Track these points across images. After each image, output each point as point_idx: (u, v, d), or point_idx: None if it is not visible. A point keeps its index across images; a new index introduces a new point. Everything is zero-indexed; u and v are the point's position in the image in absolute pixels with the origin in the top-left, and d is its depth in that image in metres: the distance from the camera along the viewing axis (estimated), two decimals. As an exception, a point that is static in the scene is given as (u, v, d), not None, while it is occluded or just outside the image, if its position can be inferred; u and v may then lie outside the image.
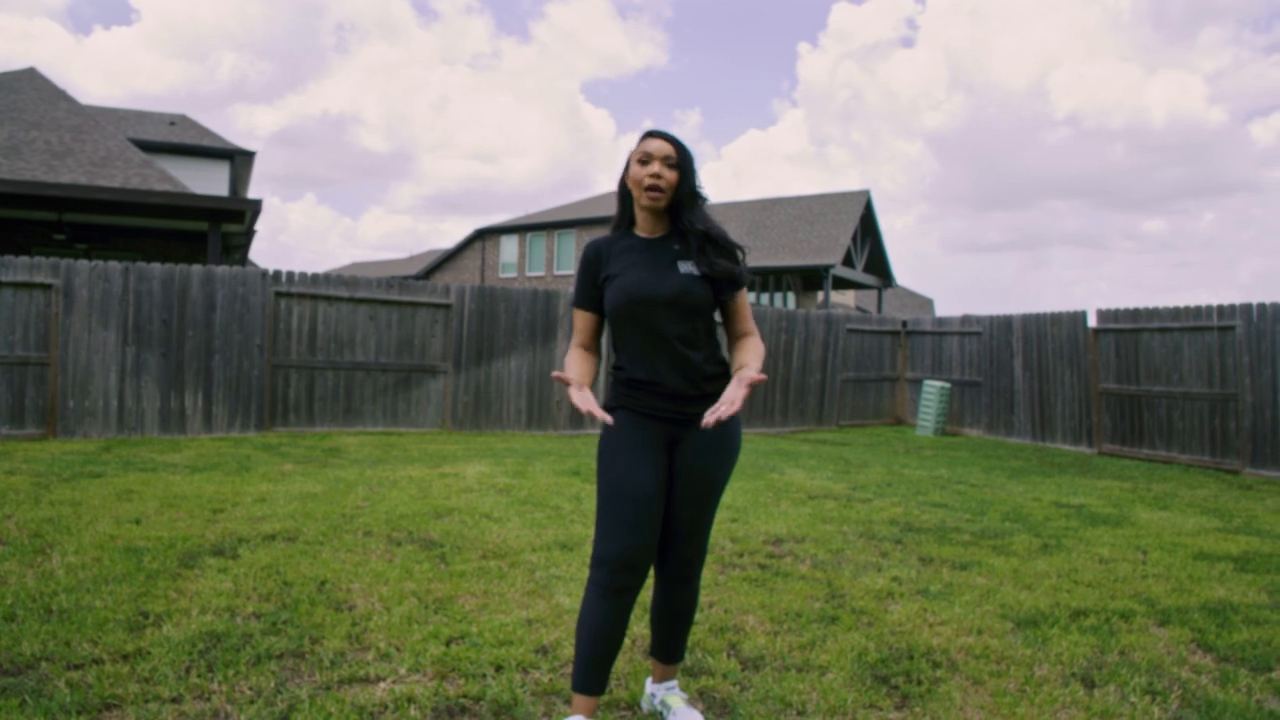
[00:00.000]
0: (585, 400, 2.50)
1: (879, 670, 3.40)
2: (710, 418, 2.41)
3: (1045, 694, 3.21)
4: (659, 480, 2.64)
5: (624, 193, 2.80)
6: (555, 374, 2.54)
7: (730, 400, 2.47)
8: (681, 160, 2.69)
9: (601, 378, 11.39)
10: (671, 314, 2.64)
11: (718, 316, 2.80)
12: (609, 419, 2.52)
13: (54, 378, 9.87)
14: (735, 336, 2.84)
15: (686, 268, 2.68)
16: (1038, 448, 13.04)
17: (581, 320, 2.84)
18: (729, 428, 2.73)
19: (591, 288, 2.78)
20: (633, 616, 3.49)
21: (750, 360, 2.69)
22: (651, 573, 2.84)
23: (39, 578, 4.16)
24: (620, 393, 2.74)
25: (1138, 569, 5.15)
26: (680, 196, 2.71)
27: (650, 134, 2.72)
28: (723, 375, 2.75)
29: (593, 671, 2.65)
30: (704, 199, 2.79)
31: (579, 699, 2.66)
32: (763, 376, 2.54)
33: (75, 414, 9.99)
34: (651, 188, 2.66)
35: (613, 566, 2.58)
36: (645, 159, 2.68)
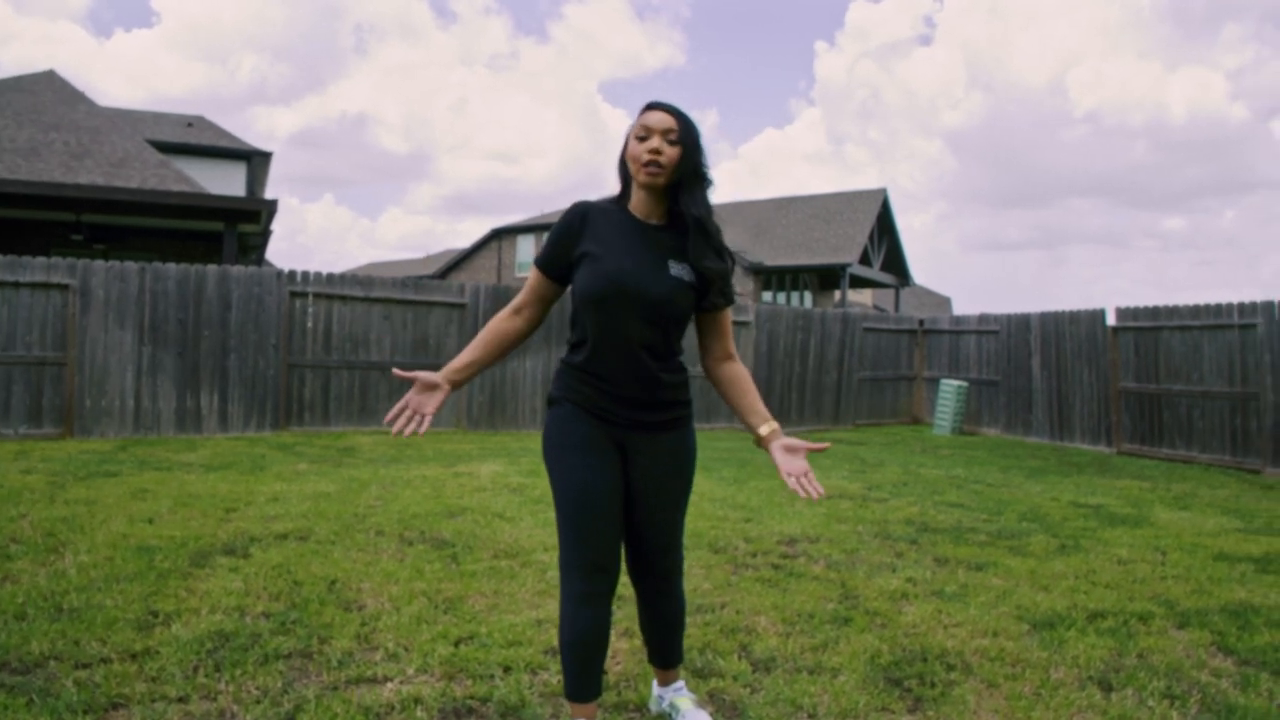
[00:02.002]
0: (419, 383, 2.58)
1: (892, 673, 3.35)
2: (814, 493, 2.34)
3: (1061, 697, 3.16)
4: (613, 476, 2.48)
5: (624, 168, 2.53)
6: (396, 371, 2.44)
7: (806, 472, 2.38)
8: (684, 134, 2.41)
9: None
10: (647, 318, 2.42)
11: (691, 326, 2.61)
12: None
13: (71, 377, 9.92)
14: (720, 358, 2.62)
15: (678, 270, 2.45)
16: (1056, 447, 12.94)
17: (535, 280, 2.59)
18: (682, 433, 2.59)
19: (562, 254, 2.52)
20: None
21: (760, 406, 2.55)
22: (629, 583, 2.74)
23: (51, 576, 4.16)
24: (569, 385, 2.57)
25: (1157, 570, 5.08)
26: (681, 175, 2.43)
27: (650, 106, 2.46)
28: (682, 384, 2.57)
29: (583, 680, 2.53)
30: (709, 182, 2.49)
31: (576, 706, 2.56)
32: (824, 446, 2.45)
33: (92, 413, 10.04)
34: (650, 164, 2.39)
35: (582, 571, 2.44)
36: (644, 134, 2.41)
